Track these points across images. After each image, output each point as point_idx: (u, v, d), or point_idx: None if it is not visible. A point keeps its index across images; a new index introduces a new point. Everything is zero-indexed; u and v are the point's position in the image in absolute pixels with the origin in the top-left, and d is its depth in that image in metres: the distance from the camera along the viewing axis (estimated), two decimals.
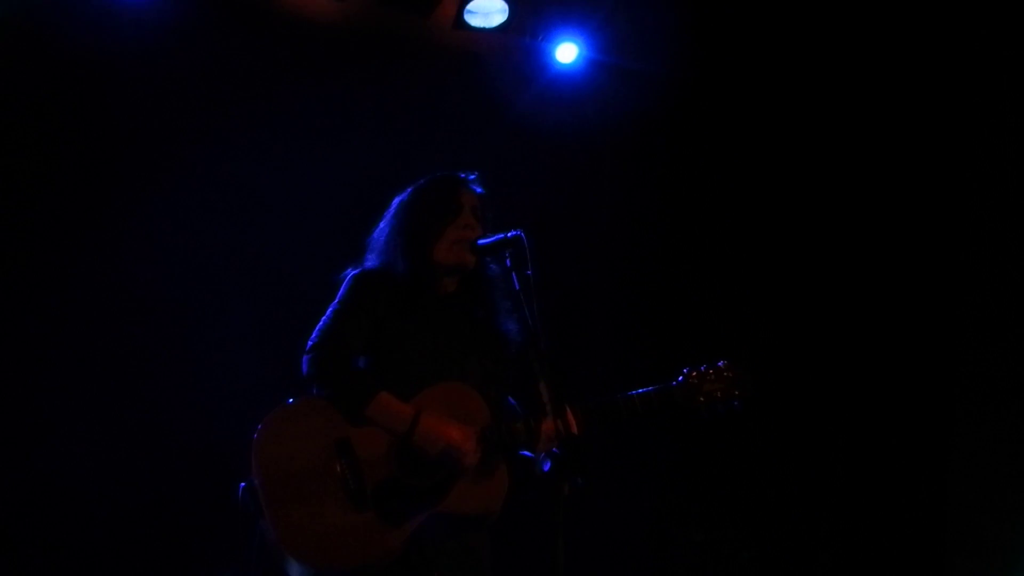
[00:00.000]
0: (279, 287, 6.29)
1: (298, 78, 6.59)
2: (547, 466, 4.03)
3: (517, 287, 3.99)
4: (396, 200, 4.52)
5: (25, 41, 6.11)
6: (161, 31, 6.26)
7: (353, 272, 4.36)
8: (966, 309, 6.91)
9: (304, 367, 4.15)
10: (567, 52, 6.89)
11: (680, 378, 4.25)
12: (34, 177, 6.17)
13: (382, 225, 4.49)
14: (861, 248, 7.13)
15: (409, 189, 4.51)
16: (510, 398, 4.44)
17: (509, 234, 4.10)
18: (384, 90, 6.71)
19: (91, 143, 6.29)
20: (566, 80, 7.00)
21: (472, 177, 4.47)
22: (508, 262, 4.05)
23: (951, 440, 6.84)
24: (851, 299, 7.14)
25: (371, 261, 4.43)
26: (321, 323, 4.22)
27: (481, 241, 4.25)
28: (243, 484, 4.05)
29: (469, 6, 6.55)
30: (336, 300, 4.29)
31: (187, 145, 6.38)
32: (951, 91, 6.95)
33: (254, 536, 4.06)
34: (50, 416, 6.06)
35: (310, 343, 4.17)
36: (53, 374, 6.11)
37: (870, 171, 7.12)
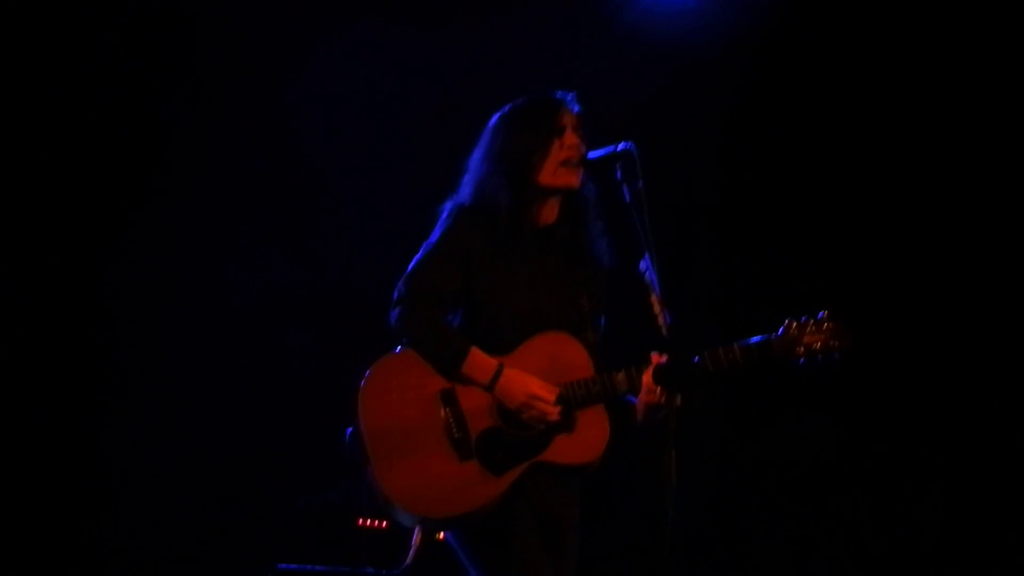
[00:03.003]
0: (388, 214, 6.34)
1: None
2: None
3: (628, 200, 3.94)
4: (490, 123, 4.39)
5: None
6: None
7: (451, 206, 4.29)
8: None
9: (392, 320, 4.16)
10: None
11: (780, 330, 4.12)
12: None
13: (478, 150, 4.37)
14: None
15: (503, 110, 4.38)
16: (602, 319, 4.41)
17: (619, 146, 4.04)
18: (489, 4, 6.65)
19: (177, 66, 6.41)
20: None
21: (570, 96, 4.35)
22: (619, 175, 3.99)
23: None
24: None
25: (467, 189, 4.33)
26: (411, 267, 4.19)
27: (591, 154, 4.18)
28: (350, 429, 4.12)
29: None
30: (429, 240, 4.24)
31: (283, 67, 6.45)
32: None
33: (363, 481, 4.12)
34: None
35: (398, 292, 4.16)
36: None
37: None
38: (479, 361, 4.10)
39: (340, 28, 6.52)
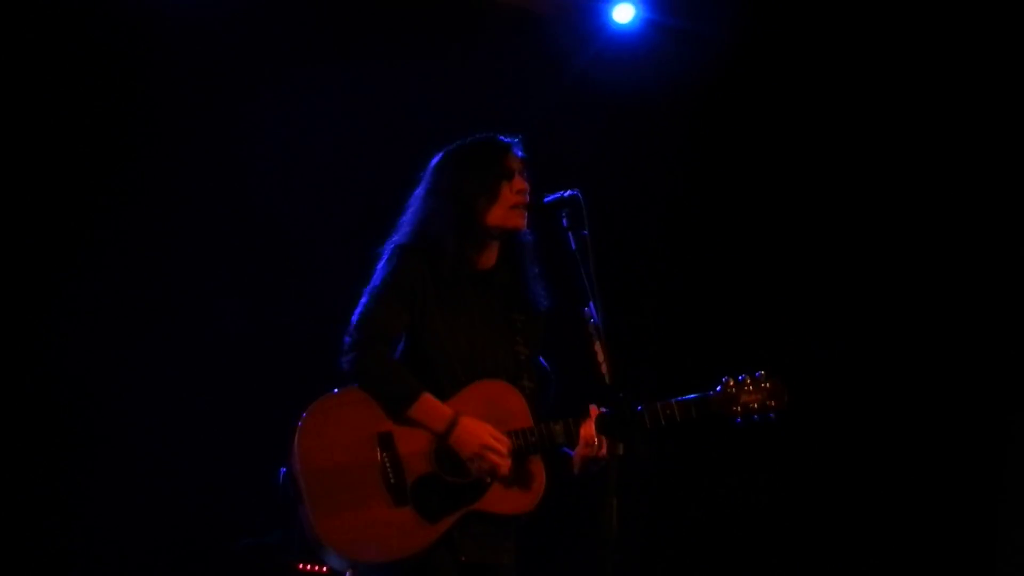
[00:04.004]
0: (327, 252, 6.32)
1: (352, 36, 6.59)
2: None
3: (573, 247, 3.95)
4: (435, 161, 4.39)
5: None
6: None
7: (392, 246, 4.27)
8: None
9: (345, 364, 4.13)
10: (624, 12, 6.84)
11: (718, 387, 4.19)
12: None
13: (420, 188, 4.37)
14: (926, 235, 6.90)
15: (448, 150, 4.39)
16: (542, 360, 4.41)
17: (566, 193, 4.05)
18: (442, 48, 6.69)
19: (140, 102, 6.35)
20: (623, 41, 6.94)
21: (516, 140, 4.37)
22: (564, 222, 3.99)
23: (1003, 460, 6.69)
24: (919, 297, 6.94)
25: (407, 227, 4.32)
26: (361, 308, 4.17)
27: (547, 198, 4.15)
28: (283, 469, 4.10)
29: None
30: (376, 280, 4.21)
31: (236, 105, 6.42)
32: None
33: (295, 520, 4.10)
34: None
35: (351, 337, 4.13)
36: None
37: (934, 154, 6.90)
38: (434, 407, 4.09)
39: (297, 74, 6.52)
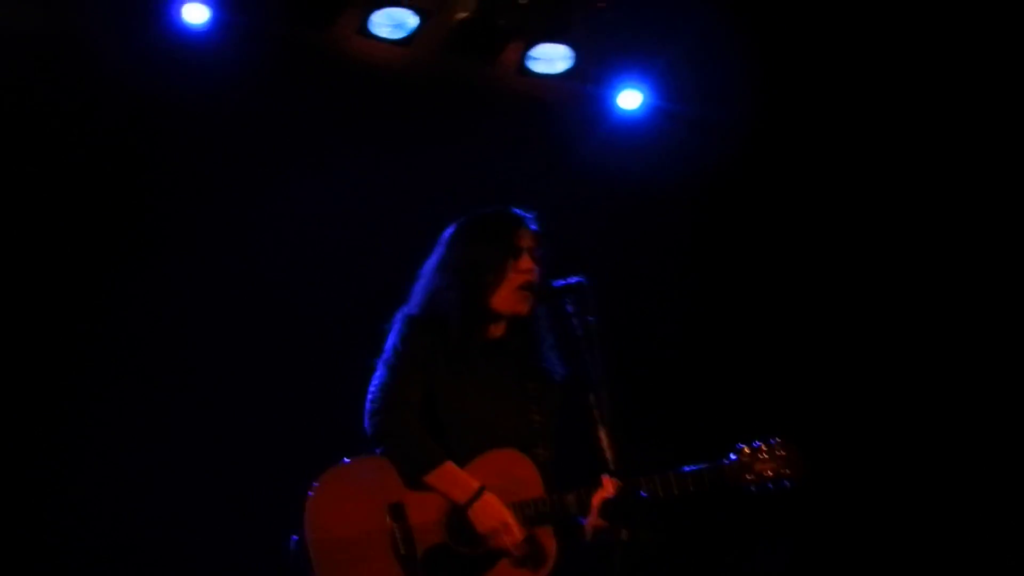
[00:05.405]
0: (344, 330, 6.32)
1: (363, 122, 6.65)
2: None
3: (580, 333, 3.97)
4: (447, 234, 4.44)
5: (96, 90, 6.23)
6: (229, 76, 6.34)
7: (403, 316, 4.31)
8: None
9: (369, 428, 4.16)
10: (630, 99, 6.90)
11: (733, 456, 4.15)
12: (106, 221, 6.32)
13: (433, 261, 4.41)
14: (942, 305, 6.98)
15: (461, 222, 4.44)
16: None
17: (572, 280, 4.09)
18: (448, 135, 6.75)
19: (153, 188, 6.41)
20: (629, 127, 7.00)
21: (529, 216, 4.40)
22: (569, 308, 4.03)
23: None
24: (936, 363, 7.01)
25: (418, 298, 4.36)
26: (379, 378, 4.21)
27: (554, 284, 4.18)
28: (295, 537, 4.10)
29: (533, 52, 6.55)
30: (390, 350, 4.25)
31: (252, 189, 6.48)
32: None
33: None
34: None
35: (372, 404, 4.16)
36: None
37: (948, 227, 6.98)
38: (458, 477, 4.08)
39: (305, 160, 6.59)
